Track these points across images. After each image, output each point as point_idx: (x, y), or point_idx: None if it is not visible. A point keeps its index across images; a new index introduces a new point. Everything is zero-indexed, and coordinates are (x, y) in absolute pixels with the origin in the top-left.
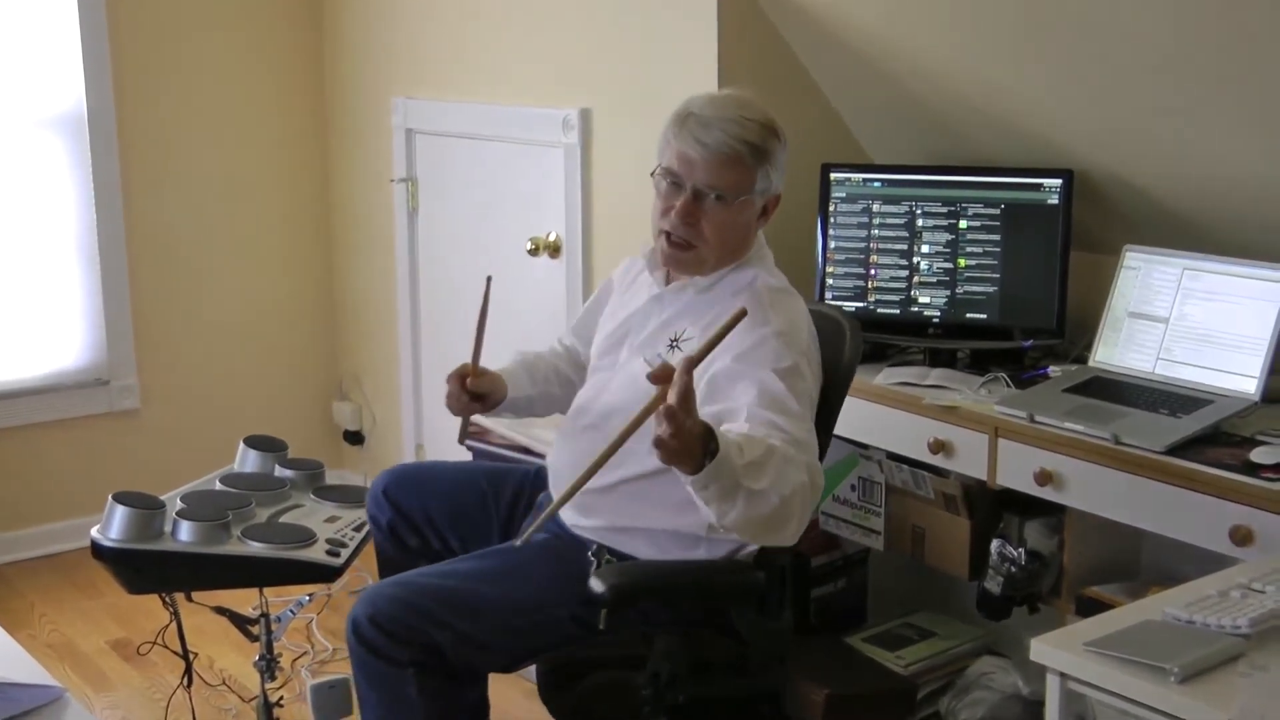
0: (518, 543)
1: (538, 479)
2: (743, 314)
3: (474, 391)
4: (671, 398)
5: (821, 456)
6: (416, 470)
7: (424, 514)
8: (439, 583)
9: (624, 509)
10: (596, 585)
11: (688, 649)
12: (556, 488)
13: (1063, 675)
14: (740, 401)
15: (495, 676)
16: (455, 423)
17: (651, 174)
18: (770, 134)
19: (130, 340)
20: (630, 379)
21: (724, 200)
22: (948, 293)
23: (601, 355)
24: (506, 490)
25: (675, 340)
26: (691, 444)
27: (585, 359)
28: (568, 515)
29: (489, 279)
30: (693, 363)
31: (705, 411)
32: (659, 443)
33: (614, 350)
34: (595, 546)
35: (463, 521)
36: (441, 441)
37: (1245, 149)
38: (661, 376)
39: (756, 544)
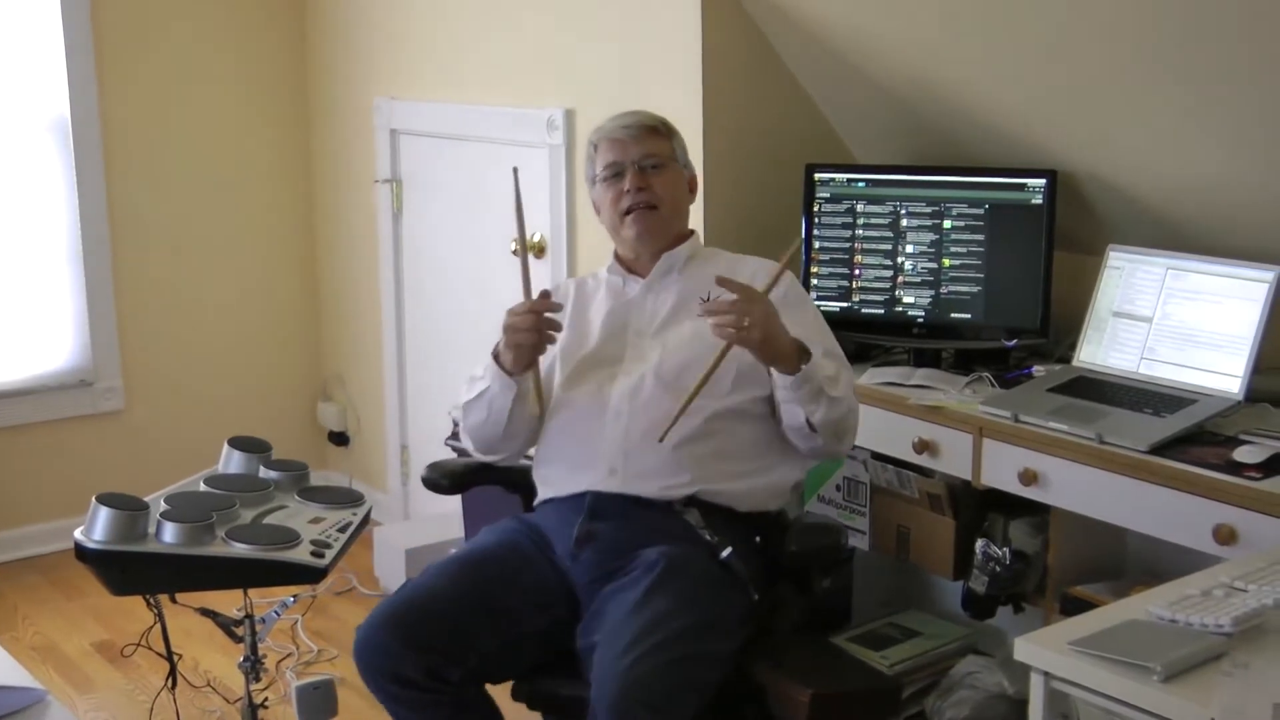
0: (660, 439)
1: (531, 543)
2: (800, 245)
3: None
4: (750, 309)
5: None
6: (401, 605)
7: (454, 633)
8: (664, 636)
9: (715, 471)
10: (802, 547)
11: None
12: (611, 470)
13: (1047, 674)
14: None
15: None
16: (438, 426)
17: (592, 185)
18: (669, 123)
19: (114, 342)
20: (684, 339)
21: (660, 167)
22: (932, 293)
23: (603, 355)
24: (492, 568)
25: (708, 300)
26: (785, 345)
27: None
28: (655, 489)
29: (515, 170)
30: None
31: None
32: (758, 330)
33: (615, 344)
34: (690, 509)
35: (488, 617)
36: (428, 443)
37: (1228, 150)
38: (743, 293)
39: (830, 446)
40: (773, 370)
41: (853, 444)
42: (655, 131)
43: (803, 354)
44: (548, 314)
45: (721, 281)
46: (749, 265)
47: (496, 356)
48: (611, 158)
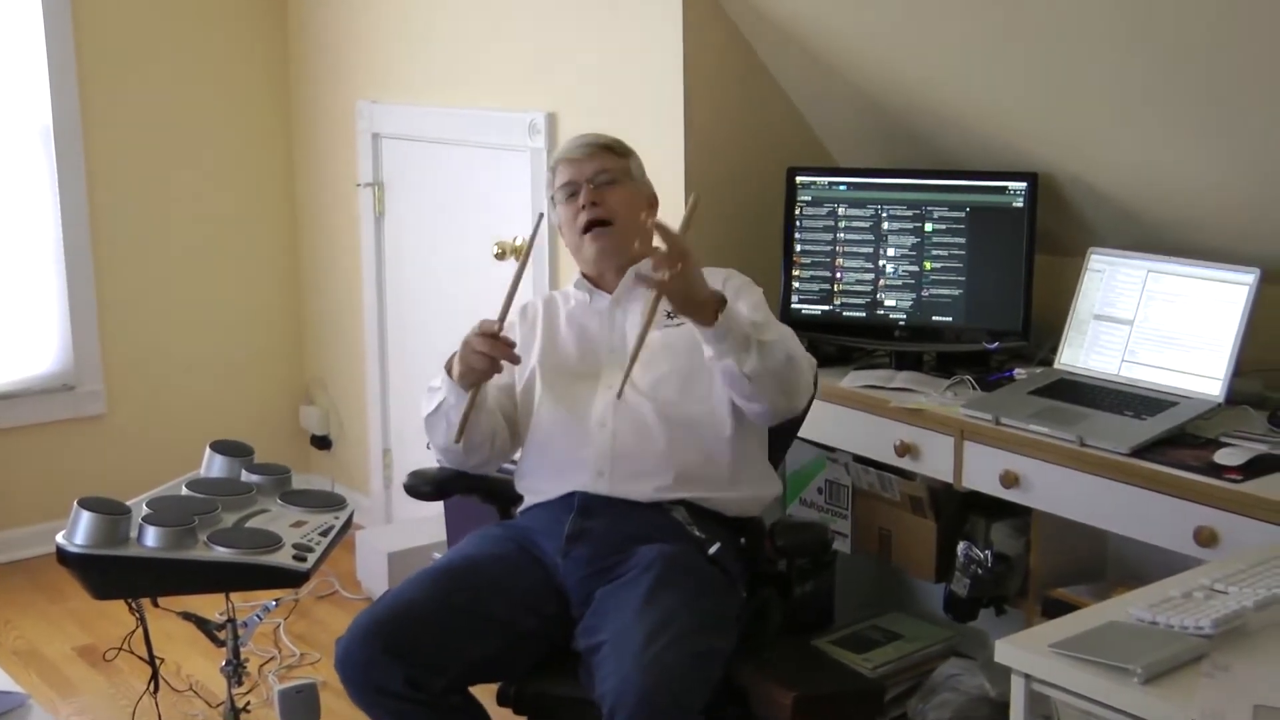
0: (617, 396)
1: (515, 546)
2: (699, 199)
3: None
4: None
5: (783, 456)
6: (382, 616)
7: (437, 642)
8: (677, 632)
9: (704, 479)
10: (790, 543)
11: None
12: (599, 472)
13: (1027, 676)
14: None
15: None
16: (420, 430)
17: (553, 206)
18: (624, 143)
19: (96, 345)
20: (656, 351)
21: (614, 182)
22: (913, 295)
23: (580, 371)
24: (476, 574)
25: (672, 313)
26: (703, 293)
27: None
28: (646, 492)
29: (541, 216)
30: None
31: None
32: (670, 281)
33: (591, 361)
34: (678, 506)
35: (472, 624)
36: (410, 447)
37: (1208, 153)
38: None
39: (778, 404)
40: (699, 332)
41: (808, 398)
42: (609, 150)
43: (720, 304)
44: (502, 354)
45: (656, 225)
46: (707, 276)
47: (449, 368)
48: (567, 177)
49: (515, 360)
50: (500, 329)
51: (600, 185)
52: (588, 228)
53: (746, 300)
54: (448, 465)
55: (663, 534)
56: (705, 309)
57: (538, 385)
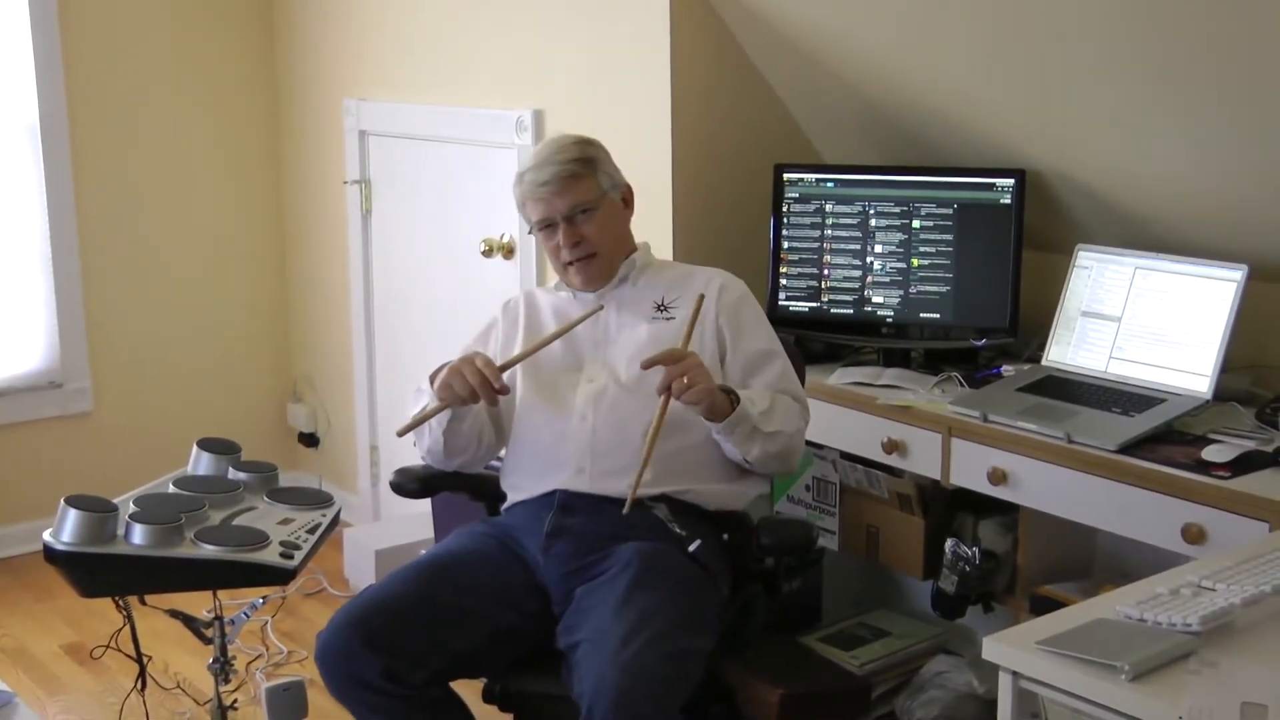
0: (625, 510)
1: (497, 544)
2: (702, 299)
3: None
4: (684, 366)
5: None
6: (363, 609)
7: (417, 636)
8: (655, 631)
9: (684, 471)
10: (775, 540)
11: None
12: (579, 469)
13: (1015, 674)
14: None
15: None
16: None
17: (531, 233)
18: (587, 145)
19: (83, 343)
20: (641, 344)
21: (589, 211)
22: (901, 292)
23: (563, 364)
24: (457, 570)
25: (662, 305)
26: (717, 395)
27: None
28: (621, 486)
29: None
30: (684, 349)
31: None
32: (698, 392)
33: (573, 353)
34: (659, 503)
35: (453, 619)
36: (398, 444)
37: (1196, 150)
38: (667, 358)
39: (771, 471)
40: (706, 423)
41: (797, 462)
42: (575, 176)
43: (731, 399)
44: (486, 394)
45: (646, 364)
46: (700, 275)
47: (433, 376)
48: (541, 214)
49: (493, 404)
50: (500, 379)
51: (577, 219)
52: (571, 260)
53: (766, 345)
54: (435, 465)
55: (643, 532)
56: (717, 408)
57: (519, 379)
